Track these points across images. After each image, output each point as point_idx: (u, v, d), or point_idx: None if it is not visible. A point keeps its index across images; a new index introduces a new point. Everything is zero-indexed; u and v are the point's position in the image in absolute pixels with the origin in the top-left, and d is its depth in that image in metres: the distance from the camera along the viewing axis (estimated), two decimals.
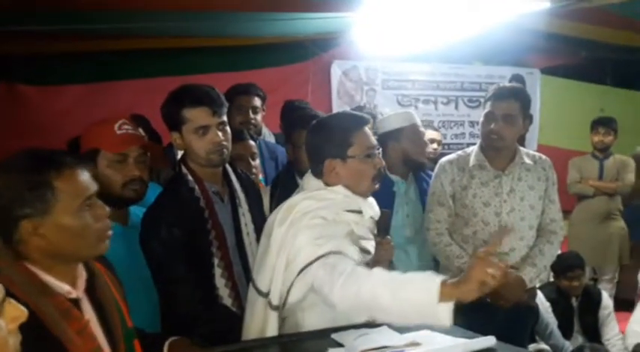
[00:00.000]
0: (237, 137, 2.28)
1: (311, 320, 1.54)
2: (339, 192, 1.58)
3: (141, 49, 3.92)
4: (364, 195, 1.62)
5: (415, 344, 1.38)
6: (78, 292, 1.13)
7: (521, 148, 2.32)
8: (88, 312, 1.13)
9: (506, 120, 2.18)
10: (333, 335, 1.45)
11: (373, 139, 1.63)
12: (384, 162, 1.66)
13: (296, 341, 1.48)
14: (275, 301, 1.52)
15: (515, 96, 2.20)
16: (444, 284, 1.24)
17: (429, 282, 1.26)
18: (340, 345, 1.40)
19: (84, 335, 1.06)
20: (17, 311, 0.67)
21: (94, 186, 1.14)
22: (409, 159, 2.54)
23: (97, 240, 1.13)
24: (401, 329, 1.50)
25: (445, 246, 2.23)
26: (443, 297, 1.23)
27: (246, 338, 1.57)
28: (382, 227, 1.61)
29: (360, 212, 1.59)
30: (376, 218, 1.63)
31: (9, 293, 0.99)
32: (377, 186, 1.62)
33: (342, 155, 1.58)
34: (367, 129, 1.62)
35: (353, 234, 1.55)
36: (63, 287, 1.10)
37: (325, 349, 1.37)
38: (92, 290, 1.16)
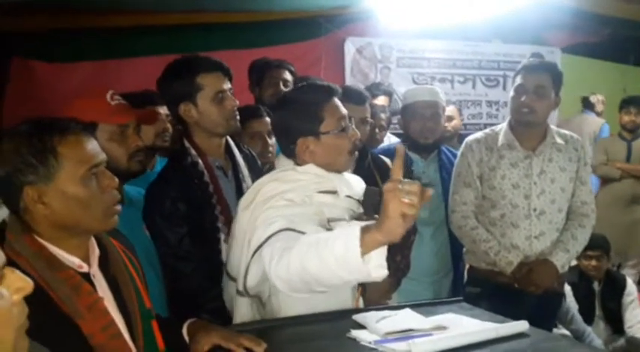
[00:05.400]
0: (254, 114, 2.22)
1: (285, 306, 1.45)
2: (310, 171, 1.46)
3: (150, 26, 3.84)
4: (341, 171, 1.50)
5: (442, 327, 1.31)
6: (91, 268, 1.09)
7: (553, 127, 2.22)
8: (103, 289, 1.09)
9: (538, 92, 2.09)
10: (355, 317, 1.39)
11: (344, 109, 1.49)
12: (359, 134, 1.53)
13: (315, 322, 1.42)
14: (240, 287, 1.43)
15: (547, 69, 2.13)
16: (366, 230, 1.08)
17: (350, 233, 1.10)
18: (362, 327, 1.33)
19: (95, 311, 1.02)
20: (22, 282, 0.62)
21: (101, 155, 1.09)
22: (410, 139, 2.45)
23: (104, 213, 1.08)
24: (425, 312, 1.43)
25: (471, 229, 2.15)
26: (367, 245, 1.08)
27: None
28: (369, 205, 1.45)
29: (334, 192, 1.45)
30: (357, 197, 1.49)
31: (15, 266, 0.94)
32: (353, 159, 1.51)
33: (315, 132, 1.45)
34: (337, 99, 1.49)
35: (322, 216, 1.41)
36: (73, 260, 1.06)
37: (347, 330, 1.31)
38: (106, 266, 1.12)
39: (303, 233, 1.28)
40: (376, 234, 1.07)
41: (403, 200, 1.03)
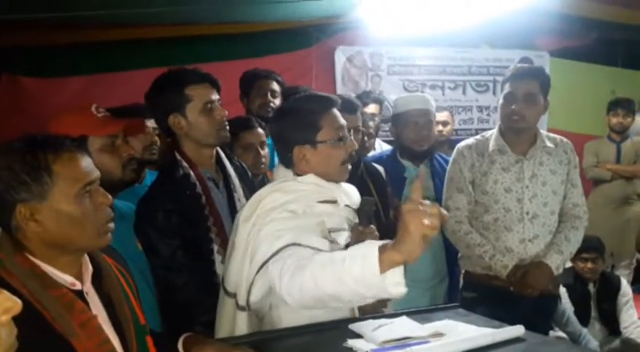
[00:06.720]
0: (246, 125, 2.22)
1: (286, 318, 1.44)
2: (310, 181, 1.46)
3: (141, 39, 3.85)
4: (338, 181, 1.51)
5: (439, 334, 1.31)
6: (84, 285, 1.07)
7: (542, 131, 2.24)
8: (96, 307, 1.08)
9: (527, 99, 2.11)
10: (351, 326, 1.39)
11: (343, 120, 1.50)
12: (356, 145, 1.54)
13: (312, 333, 1.42)
14: (241, 301, 1.43)
15: (535, 76, 2.14)
16: (383, 249, 1.09)
17: (368, 253, 1.11)
18: (359, 336, 1.33)
19: (88, 329, 1.01)
20: (10, 302, 0.61)
21: (95, 173, 1.08)
22: (403, 147, 2.47)
23: (98, 231, 1.07)
24: (421, 319, 1.43)
25: (465, 234, 2.16)
26: (384, 265, 1.08)
27: (217, 337, 1.47)
28: (364, 215, 1.48)
29: (334, 201, 1.46)
30: (354, 206, 1.51)
31: (7, 285, 0.93)
32: (348, 168, 1.51)
33: (312, 140, 1.46)
34: (336, 110, 1.50)
35: (323, 226, 1.41)
36: (66, 278, 1.04)
37: (344, 340, 1.31)
38: (100, 284, 1.11)
39: (309, 247, 1.28)
40: (394, 254, 1.08)
41: (425, 222, 1.04)
